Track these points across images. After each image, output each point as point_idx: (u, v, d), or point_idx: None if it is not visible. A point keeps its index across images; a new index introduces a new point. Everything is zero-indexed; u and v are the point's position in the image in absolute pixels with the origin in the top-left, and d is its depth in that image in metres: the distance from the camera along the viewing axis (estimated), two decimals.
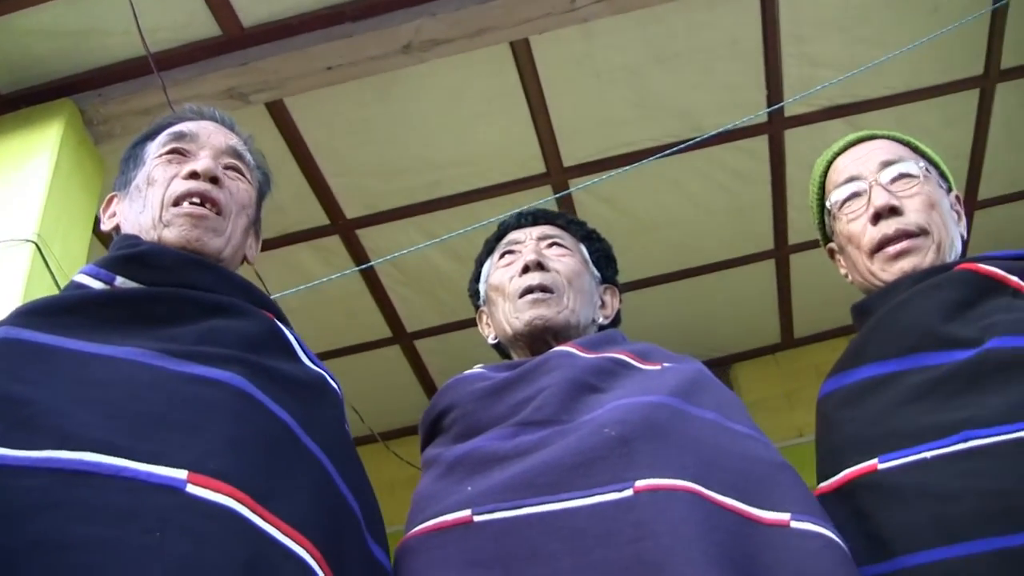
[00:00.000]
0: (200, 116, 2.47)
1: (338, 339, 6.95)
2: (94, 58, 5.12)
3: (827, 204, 2.61)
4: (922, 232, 2.41)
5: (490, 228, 2.92)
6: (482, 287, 2.75)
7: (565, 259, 2.62)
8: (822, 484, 2.22)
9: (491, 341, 2.71)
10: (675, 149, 5.30)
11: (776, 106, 5.73)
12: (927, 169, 2.53)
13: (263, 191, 2.51)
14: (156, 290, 2.06)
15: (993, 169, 6.46)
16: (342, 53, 5.14)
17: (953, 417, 2.02)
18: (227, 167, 2.35)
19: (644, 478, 1.88)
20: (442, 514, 2.00)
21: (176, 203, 2.23)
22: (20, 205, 4.66)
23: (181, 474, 1.63)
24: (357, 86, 5.44)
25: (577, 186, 5.86)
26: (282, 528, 1.70)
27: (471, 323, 2.97)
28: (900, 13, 5.61)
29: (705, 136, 5.30)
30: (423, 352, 7.27)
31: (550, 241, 2.67)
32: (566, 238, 2.71)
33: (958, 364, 2.11)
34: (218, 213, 2.26)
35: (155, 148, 2.36)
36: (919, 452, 2.02)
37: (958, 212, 2.57)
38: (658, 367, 2.33)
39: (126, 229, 2.30)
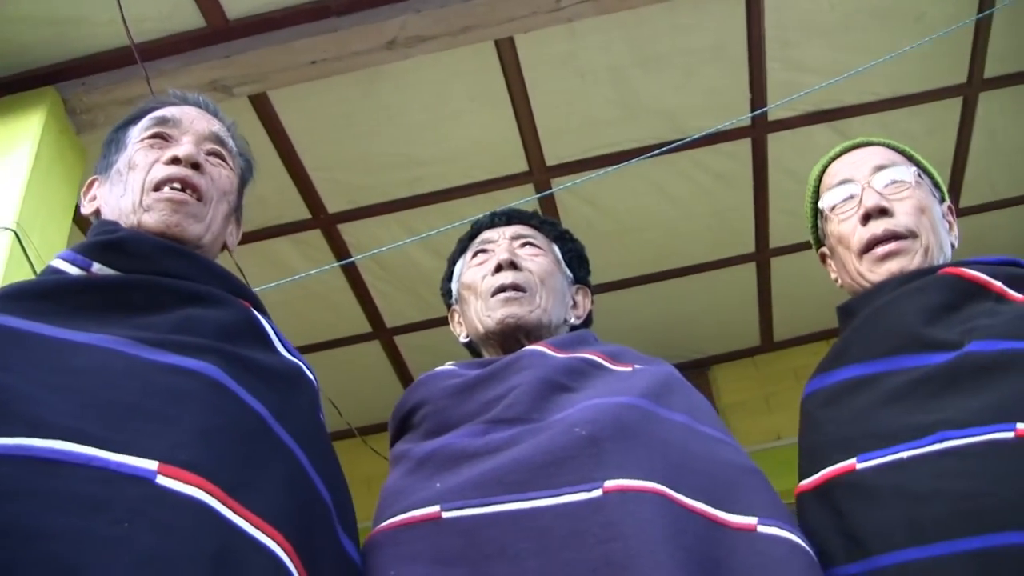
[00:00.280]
0: (184, 101, 2.46)
1: (318, 333, 6.95)
2: (78, 47, 5.10)
3: (820, 206, 2.62)
4: (910, 235, 2.43)
5: None
6: (454, 286, 2.75)
7: (538, 259, 2.63)
8: (803, 482, 2.24)
9: (463, 340, 2.71)
10: (658, 151, 5.31)
11: (760, 110, 5.74)
12: (919, 175, 2.55)
13: (245, 178, 2.50)
14: (133, 277, 2.05)
15: (975, 177, 6.49)
16: (326, 47, 5.13)
17: (930, 418, 2.03)
18: (209, 153, 2.34)
19: (613, 478, 1.89)
20: (410, 509, 2.00)
21: (157, 188, 2.22)
22: (0, 193, 4.64)
23: (152, 465, 1.61)
24: (341, 81, 5.43)
25: (559, 186, 5.86)
26: (252, 520, 1.69)
27: None
28: (885, 21, 5.62)
29: (688, 139, 5.32)
30: (403, 348, 7.28)
31: (523, 241, 2.68)
32: (539, 238, 2.72)
33: (937, 366, 2.12)
34: (199, 199, 2.25)
35: (137, 132, 2.34)
36: (896, 452, 2.03)
37: (950, 222, 2.59)
38: (629, 368, 2.33)
39: (106, 214, 2.29)
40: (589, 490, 1.88)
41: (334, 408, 6.53)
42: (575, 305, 2.70)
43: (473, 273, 2.64)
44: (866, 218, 2.47)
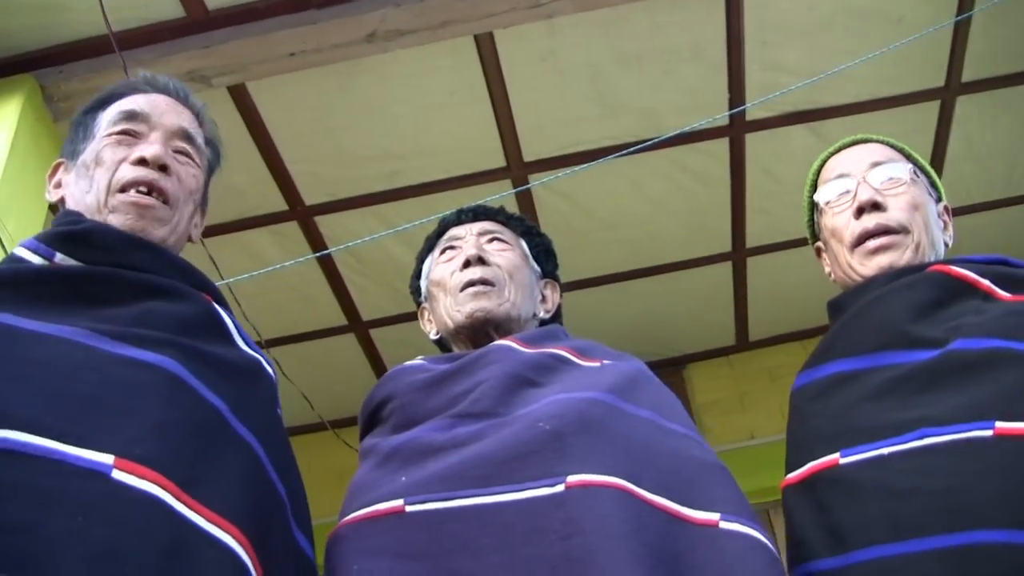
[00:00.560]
0: (154, 87, 2.41)
1: (293, 325, 6.94)
2: (57, 34, 5.08)
3: (816, 199, 2.64)
4: (902, 230, 2.45)
5: None
6: (423, 283, 2.76)
7: (505, 253, 2.64)
8: (789, 475, 2.26)
9: (433, 337, 2.72)
10: (635, 148, 5.32)
11: (738, 109, 5.75)
12: (915, 173, 2.58)
13: (213, 167, 2.48)
14: (95, 269, 2.03)
15: (951, 181, 6.47)
16: (306, 40, 5.13)
17: (912, 415, 2.05)
18: (177, 150, 2.31)
19: (576, 473, 1.90)
20: (375, 503, 2.00)
21: (123, 190, 2.19)
22: None
23: (108, 459, 1.62)
24: (320, 73, 5.42)
25: (536, 181, 5.87)
26: (206, 515, 1.69)
27: None
28: (865, 23, 5.64)
29: (666, 136, 5.32)
30: (378, 341, 7.27)
31: (490, 236, 2.68)
32: (506, 233, 2.73)
33: (922, 363, 2.14)
34: (165, 202, 2.23)
35: (105, 124, 2.31)
36: (878, 448, 2.05)
37: (945, 221, 2.61)
38: (597, 364, 2.34)
39: (71, 205, 2.27)
40: (551, 485, 1.90)
41: (306, 401, 6.53)
42: (544, 299, 2.71)
43: (441, 270, 2.64)
44: (859, 212, 2.49)
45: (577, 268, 6.67)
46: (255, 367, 2.12)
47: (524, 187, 5.90)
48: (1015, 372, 2.02)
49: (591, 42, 5.57)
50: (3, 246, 4.43)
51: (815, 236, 2.73)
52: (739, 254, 6.97)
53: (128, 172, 2.21)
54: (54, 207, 2.36)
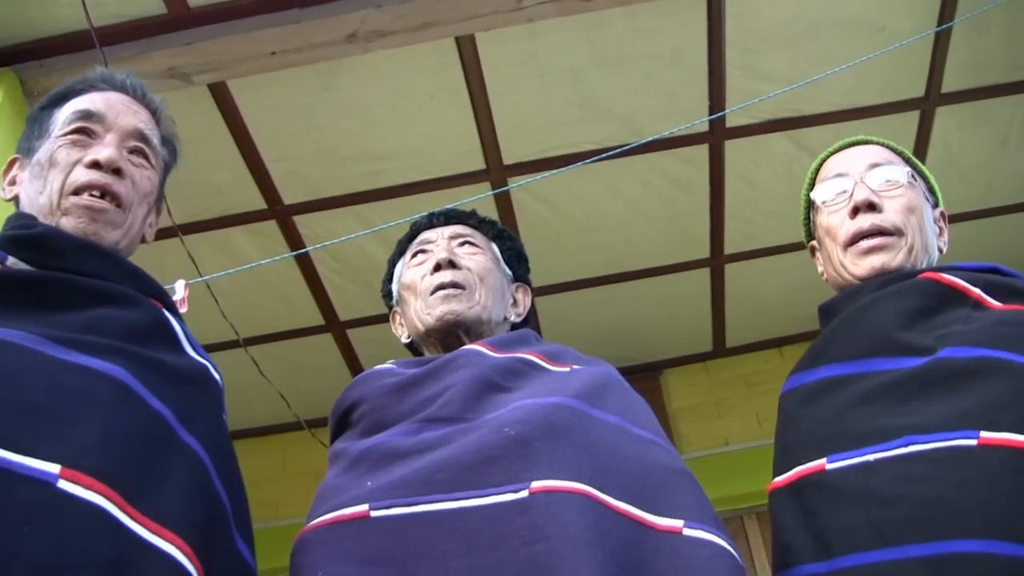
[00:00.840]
0: (111, 85, 2.38)
1: (270, 324, 6.92)
2: (38, 29, 5.07)
3: (813, 198, 2.65)
4: (896, 232, 2.46)
5: None
6: (394, 287, 2.75)
7: (476, 257, 2.63)
8: (776, 479, 2.27)
9: (404, 341, 2.72)
10: (615, 152, 5.31)
11: (718, 115, 5.76)
12: (913, 177, 2.58)
13: (169, 167, 2.46)
14: (46, 274, 2.02)
15: None
16: (287, 39, 5.12)
17: (898, 422, 2.06)
18: (132, 151, 2.29)
19: (540, 479, 1.90)
20: (340, 508, 2.00)
21: (76, 192, 2.18)
22: None
23: (54, 468, 1.61)
24: (301, 72, 5.42)
25: (515, 184, 5.87)
26: (151, 527, 1.69)
27: None
28: (847, 31, 5.66)
29: (645, 141, 5.33)
30: (355, 341, 7.27)
31: (461, 240, 2.68)
32: (477, 237, 2.72)
33: (910, 371, 2.15)
34: (118, 206, 2.21)
35: (60, 123, 2.28)
36: (864, 455, 2.06)
37: (941, 227, 2.62)
38: (567, 369, 2.34)
39: (24, 205, 2.26)
40: (516, 491, 1.90)
41: (283, 400, 6.52)
42: (515, 303, 2.71)
43: (412, 273, 2.63)
44: (855, 212, 2.49)
45: (555, 272, 6.68)
46: (202, 374, 2.12)
47: (503, 189, 5.90)
48: (1002, 382, 2.03)
49: (572, 46, 5.57)
50: None
51: (810, 235, 2.74)
52: (717, 260, 6.99)
53: (81, 175, 2.19)
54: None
